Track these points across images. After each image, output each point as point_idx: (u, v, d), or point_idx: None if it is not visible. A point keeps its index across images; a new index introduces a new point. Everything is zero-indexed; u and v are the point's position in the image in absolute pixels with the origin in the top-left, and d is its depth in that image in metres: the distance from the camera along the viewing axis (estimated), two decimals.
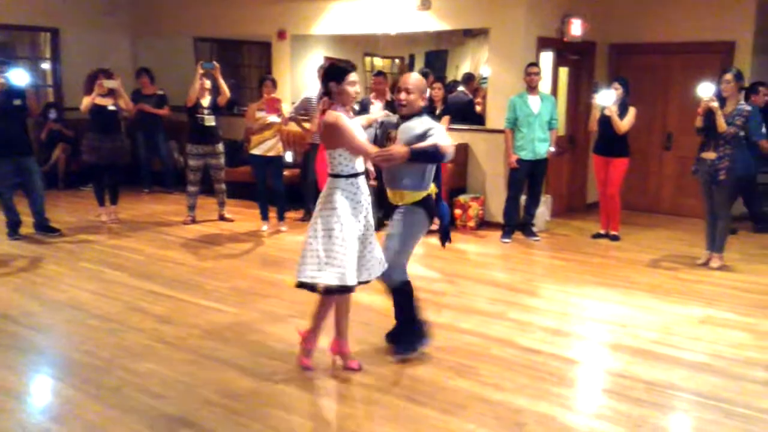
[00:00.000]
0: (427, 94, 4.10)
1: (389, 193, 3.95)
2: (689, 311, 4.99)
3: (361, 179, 3.69)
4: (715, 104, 5.82)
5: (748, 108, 5.93)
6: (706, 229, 6.22)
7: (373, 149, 3.64)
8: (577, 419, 3.39)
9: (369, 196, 3.74)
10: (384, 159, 3.58)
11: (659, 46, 8.37)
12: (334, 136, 3.57)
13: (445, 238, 4.25)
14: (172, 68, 9.97)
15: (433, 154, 3.61)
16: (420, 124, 3.77)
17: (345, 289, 3.60)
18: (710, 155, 5.96)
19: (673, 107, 8.44)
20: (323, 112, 3.67)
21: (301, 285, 3.64)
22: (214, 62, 7.51)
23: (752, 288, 5.57)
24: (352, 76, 3.62)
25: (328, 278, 3.54)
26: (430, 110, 4.01)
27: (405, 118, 3.85)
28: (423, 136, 3.69)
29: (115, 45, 10.41)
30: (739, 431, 3.27)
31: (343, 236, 3.55)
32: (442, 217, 4.16)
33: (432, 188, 3.92)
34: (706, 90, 5.90)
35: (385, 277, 3.84)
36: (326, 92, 3.68)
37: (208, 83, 7.43)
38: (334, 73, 3.63)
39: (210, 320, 4.68)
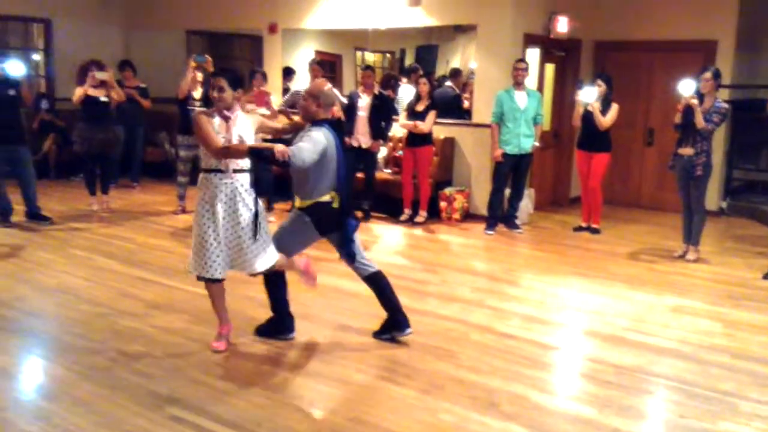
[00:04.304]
0: (334, 107, 4.26)
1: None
2: (662, 301, 5.16)
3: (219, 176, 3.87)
4: (695, 101, 5.97)
5: (726, 105, 6.08)
6: (682, 223, 6.39)
7: (217, 144, 3.78)
8: (548, 399, 3.55)
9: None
10: (221, 154, 3.77)
11: (643, 43, 8.54)
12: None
13: (347, 256, 4.11)
14: (163, 61, 10.07)
15: (267, 157, 3.73)
16: (308, 131, 3.94)
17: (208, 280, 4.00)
18: (687, 151, 6.12)
19: (655, 104, 8.62)
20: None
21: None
22: (206, 56, 7.63)
23: (724, 279, 5.75)
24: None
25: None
26: (335, 122, 4.09)
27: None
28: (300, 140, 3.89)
29: (107, 37, 10.47)
30: (699, 411, 3.44)
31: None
32: (345, 231, 4.03)
33: (327, 197, 3.97)
34: (687, 87, 6.02)
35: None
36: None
37: (200, 76, 7.52)
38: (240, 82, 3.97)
39: (198, 306, 4.79)
